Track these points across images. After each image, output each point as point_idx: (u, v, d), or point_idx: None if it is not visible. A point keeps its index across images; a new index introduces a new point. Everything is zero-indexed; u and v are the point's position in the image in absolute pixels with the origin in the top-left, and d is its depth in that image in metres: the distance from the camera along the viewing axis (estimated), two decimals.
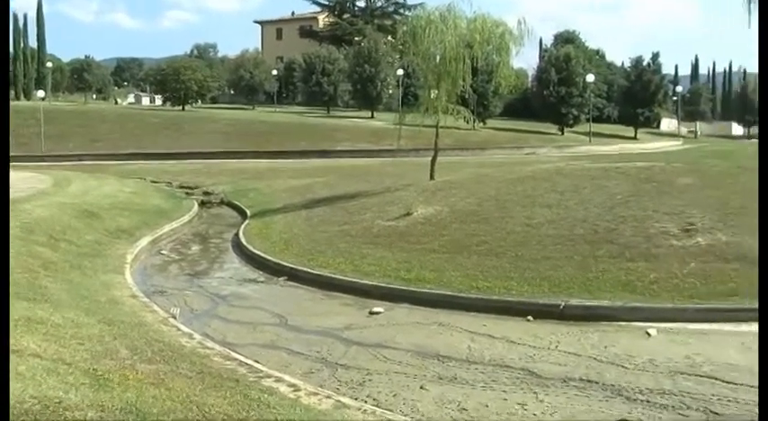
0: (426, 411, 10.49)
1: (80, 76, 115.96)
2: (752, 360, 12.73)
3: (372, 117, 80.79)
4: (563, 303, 15.87)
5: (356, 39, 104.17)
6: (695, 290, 16.52)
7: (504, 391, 11.33)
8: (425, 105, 31.67)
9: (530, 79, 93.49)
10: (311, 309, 16.96)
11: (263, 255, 22.17)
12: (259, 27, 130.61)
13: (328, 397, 9.89)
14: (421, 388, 11.47)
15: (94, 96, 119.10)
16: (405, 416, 10.04)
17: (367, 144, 63.36)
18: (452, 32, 29.60)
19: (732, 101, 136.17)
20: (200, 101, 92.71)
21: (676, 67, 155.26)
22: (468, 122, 55.93)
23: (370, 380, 11.82)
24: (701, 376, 12.01)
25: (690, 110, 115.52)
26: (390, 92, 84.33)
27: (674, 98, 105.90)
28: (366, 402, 10.47)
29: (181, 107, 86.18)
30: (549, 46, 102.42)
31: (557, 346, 13.62)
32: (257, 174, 46.70)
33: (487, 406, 10.71)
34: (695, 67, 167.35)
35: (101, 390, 7.88)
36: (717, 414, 10.46)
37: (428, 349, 13.46)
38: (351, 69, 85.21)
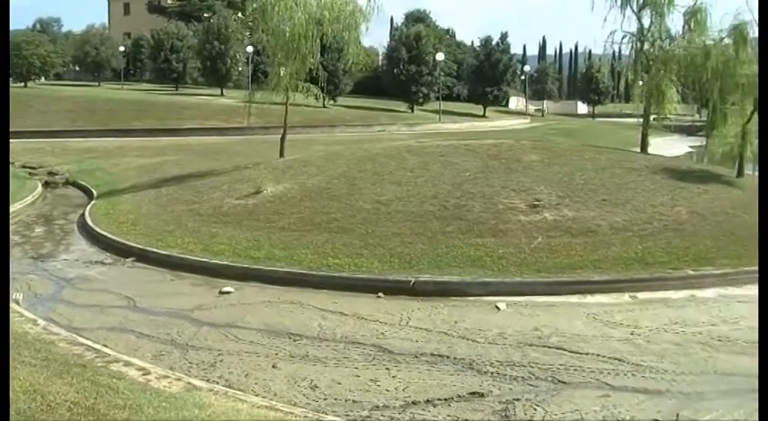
0: (279, 390, 10.49)
1: None
2: (597, 330, 13.27)
3: (222, 95, 79.42)
4: (413, 279, 16.10)
5: (206, 15, 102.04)
6: (542, 264, 17.04)
7: (356, 368, 11.43)
8: (274, 83, 31.39)
9: (380, 58, 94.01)
10: (160, 290, 16.67)
11: (110, 235, 21.64)
12: (106, 2, 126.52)
13: (179, 379, 9.79)
14: (273, 367, 11.47)
15: None
16: (257, 395, 9.99)
17: (216, 122, 62.25)
18: (302, 10, 29.46)
19: (578, 80, 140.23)
20: (43, 77, 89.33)
21: (524, 47, 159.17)
22: (318, 100, 55.87)
23: (221, 360, 11.74)
24: (549, 347, 12.42)
25: (537, 89, 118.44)
26: (240, 69, 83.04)
27: (522, 77, 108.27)
28: (218, 383, 10.42)
29: (23, 84, 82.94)
30: (399, 25, 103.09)
31: (408, 322, 13.81)
32: (104, 152, 45.41)
33: (340, 383, 10.79)
34: (542, 47, 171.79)
35: None
36: (564, 382, 10.82)
37: (279, 328, 13.47)
38: (200, 46, 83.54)
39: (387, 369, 11.38)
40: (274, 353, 12.10)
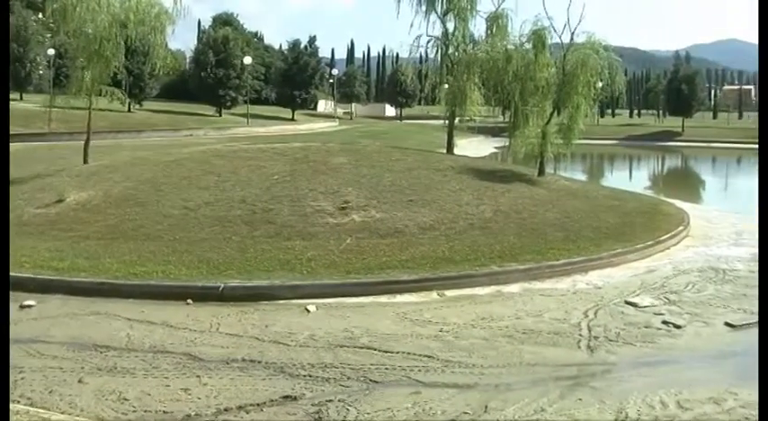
0: (85, 405, 10.16)
1: None
2: (406, 328, 13.52)
3: (21, 99, 76.62)
4: (222, 285, 15.95)
5: None
6: (352, 265, 17.20)
7: (166, 378, 11.22)
8: (77, 86, 30.47)
9: (188, 61, 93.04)
10: None
11: None
12: None
13: None
14: (79, 381, 11.09)
15: None
16: (62, 412, 9.67)
17: (15, 128, 59.28)
18: (105, 11, 28.71)
19: (385, 83, 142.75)
20: None
21: (333, 51, 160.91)
22: (123, 104, 54.68)
23: (23, 378, 11.23)
24: (360, 347, 12.57)
25: (346, 92, 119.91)
26: (41, 72, 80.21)
27: (331, 81, 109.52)
28: (19, 402, 10.00)
29: None
30: (207, 28, 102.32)
31: (217, 328, 13.68)
32: None
33: (150, 394, 10.56)
34: (351, 50, 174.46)
35: None
36: (376, 382, 10.97)
37: (85, 340, 13.04)
38: None
39: (198, 377, 11.22)
40: (80, 367, 11.69)
